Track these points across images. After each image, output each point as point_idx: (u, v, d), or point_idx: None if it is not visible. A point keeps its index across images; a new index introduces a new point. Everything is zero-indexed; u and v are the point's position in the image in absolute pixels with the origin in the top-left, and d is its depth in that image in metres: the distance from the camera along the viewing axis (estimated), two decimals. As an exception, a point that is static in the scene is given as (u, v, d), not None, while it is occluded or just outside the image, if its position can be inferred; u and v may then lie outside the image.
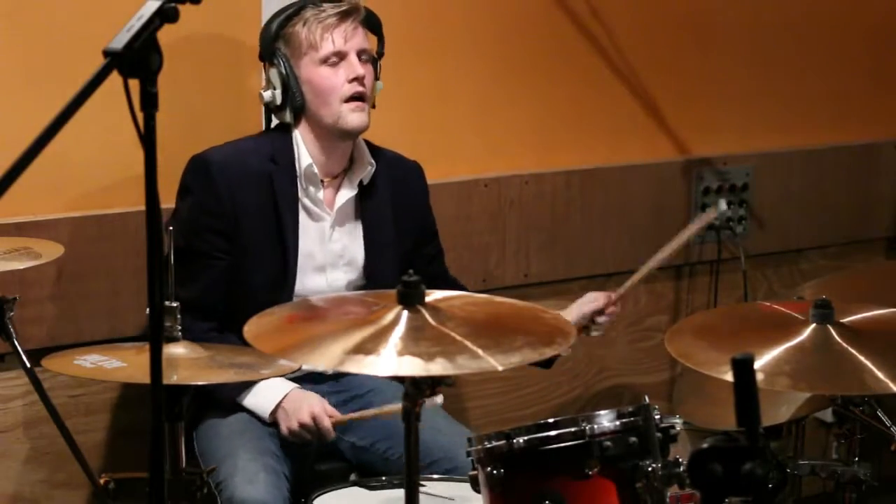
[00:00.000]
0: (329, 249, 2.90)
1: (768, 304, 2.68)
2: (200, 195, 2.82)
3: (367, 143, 2.98)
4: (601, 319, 3.01)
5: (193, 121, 3.02)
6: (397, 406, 2.06)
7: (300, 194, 2.86)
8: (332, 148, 2.88)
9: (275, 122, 2.95)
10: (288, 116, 2.87)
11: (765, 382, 2.27)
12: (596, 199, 3.70)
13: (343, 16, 2.82)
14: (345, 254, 2.93)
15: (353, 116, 2.83)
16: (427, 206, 3.09)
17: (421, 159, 3.09)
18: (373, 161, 2.92)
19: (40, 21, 2.93)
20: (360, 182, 2.92)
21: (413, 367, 1.90)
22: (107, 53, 1.65)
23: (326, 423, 2.75)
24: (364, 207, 2.94)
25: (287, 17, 2.84)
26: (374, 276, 2.93)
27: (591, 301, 3.01)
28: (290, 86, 2.83)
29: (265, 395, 2.79)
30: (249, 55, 3.02)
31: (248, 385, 2.80)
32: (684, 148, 3.84)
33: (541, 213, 3.61)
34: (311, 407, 2.76)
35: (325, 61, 2.82)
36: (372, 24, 2.93)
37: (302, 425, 2.75)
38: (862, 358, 2.34)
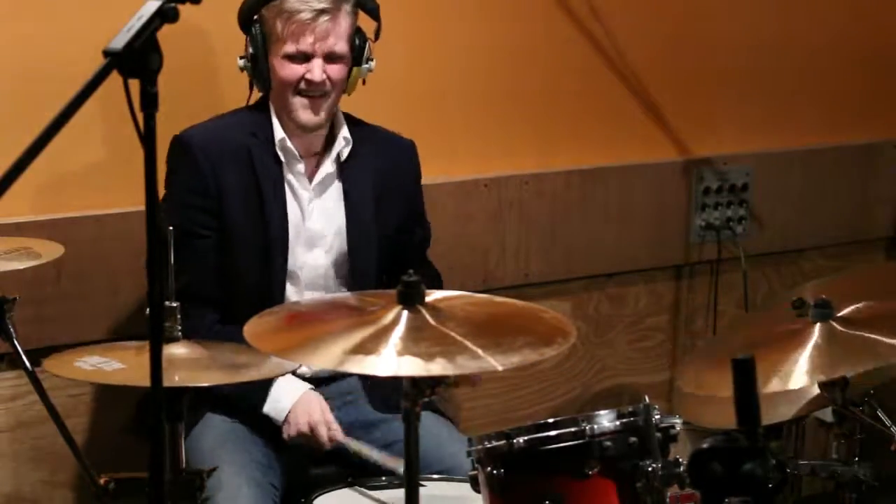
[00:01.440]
0: (308, 226, 2.89)
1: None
2: (183, 175, 2.81)
3: (359, 121, 2.96)
4: None
5: (191, 117, 3.02)
6: (400, 461, 2.05)
7: (284, 170, 2.86)
8: (298, 131, 2.86)
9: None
10: (260, 89, 2.88)
11: (780, 384, 2.33)
12: (596, 199, 3.70)
13: (318, 14, 2.76)
14: (325, 231, 2.91)
15: (302, 112, 2.82)
16: (416, 186, 3.06)
17: (421, 159, 3.08)
18: (349, 136, 2.90)
19: (40, 21, 2.93)
20: (339, 157, 2.90)
21: (413, 367, 1.90)
22: (107, 53, 1.65)
23: (323, 434, 2.74)
24: (345, 183, 2.92)
25: None
26: (354, 253, 2.91)
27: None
28: (259, 65, 2.82)
29: (279, 401, 2.78)
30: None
31: (266, 390, 2.78)
32: (684, 148, 3.84)
33: (541, 213, 3.61)
34: (311, 416, 2.75)
35: (288, 57, 2.79)
36: (366, 7, 2.88)
37: (300, 434, 2.75)
38: (869, 335, 2.40)
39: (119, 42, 1.65)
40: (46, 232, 2.87)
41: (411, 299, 2.01)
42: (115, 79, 1.65)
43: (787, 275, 4.06)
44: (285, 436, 2.77)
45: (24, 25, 2.92)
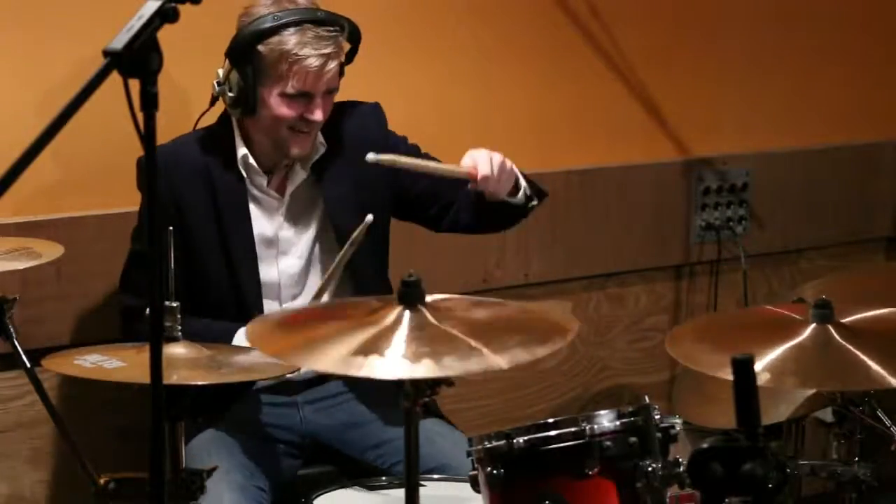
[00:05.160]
0: (281, 236, 2.86)
1: (769, 307, 2.68)
2: (144, 196, 2.73)
3: None
4: None
5: (185, 119, 3.02)
6: None
7: (247, 184, 2.83)
8: (274, 149, 2.82)
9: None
10: (235, 114, 2.81)
11: (768, 381, 2.28)
12: (596, 199, 3.70)
13: (326, 60, 2.71)
14: (299, 240, 2.87)
15: (295, 146, 2.77)
16: (390, 144, 2.89)
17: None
18: (324, 141, 2.85)
19: (40, 21, 2.93)
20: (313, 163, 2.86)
21: (420, 369, 1.89)
22: (107, 53, 1.65)
23: None
24: (323, 187, 2.88)
25: (266, 32, 2.71)
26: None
27: None
28: (247, 97, 2.74)
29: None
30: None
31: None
32: (684, 148, 3.84)
33: (541, 213, 3.59)
34: None
35: (287, 96, 2.74)
36: (351, 37, 2.81)
37: None
38: (863, 356, 2.34)
39: (119, 42, 1.65)
40: (46, 232, 2.87)
41: (412, 299, 2.01)
42: (115, 79, 1.66)
43: (787, 275, 4.06)
44: None
45: (24, 25, 2.92)
